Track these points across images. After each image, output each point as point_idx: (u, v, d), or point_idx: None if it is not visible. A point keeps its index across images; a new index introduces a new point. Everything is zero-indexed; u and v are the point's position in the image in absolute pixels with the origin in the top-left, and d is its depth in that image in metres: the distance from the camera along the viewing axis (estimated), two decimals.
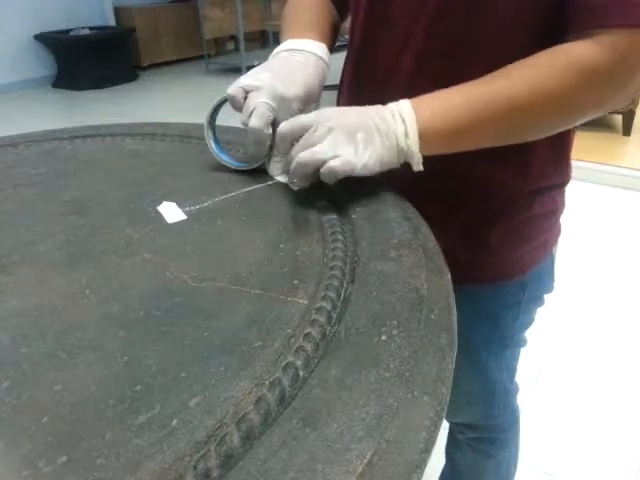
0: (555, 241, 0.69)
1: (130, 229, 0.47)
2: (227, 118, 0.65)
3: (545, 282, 0.70)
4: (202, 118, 0.60)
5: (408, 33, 0.55)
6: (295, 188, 0.51)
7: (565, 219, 0.68)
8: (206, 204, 0.51)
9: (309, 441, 0.27)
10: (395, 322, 0.35)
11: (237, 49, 5.74)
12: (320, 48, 0.58)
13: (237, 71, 4.63)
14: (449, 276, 0.41)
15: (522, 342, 0.74)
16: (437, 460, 0.99)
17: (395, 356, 0.32)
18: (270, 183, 0.55)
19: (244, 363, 0.32)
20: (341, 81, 0.69)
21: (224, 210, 0.50)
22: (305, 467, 0.26)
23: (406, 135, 0.48)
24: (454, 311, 0.37)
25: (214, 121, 0.60)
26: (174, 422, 0.28)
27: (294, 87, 0.53)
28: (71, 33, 4.75)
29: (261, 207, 0.51)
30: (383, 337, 0.34)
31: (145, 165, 0.61)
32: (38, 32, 4.69)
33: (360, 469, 0.26)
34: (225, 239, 0.46)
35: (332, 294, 0.37)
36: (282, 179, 0.56)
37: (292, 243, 0.45)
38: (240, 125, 0.56)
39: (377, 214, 0.49)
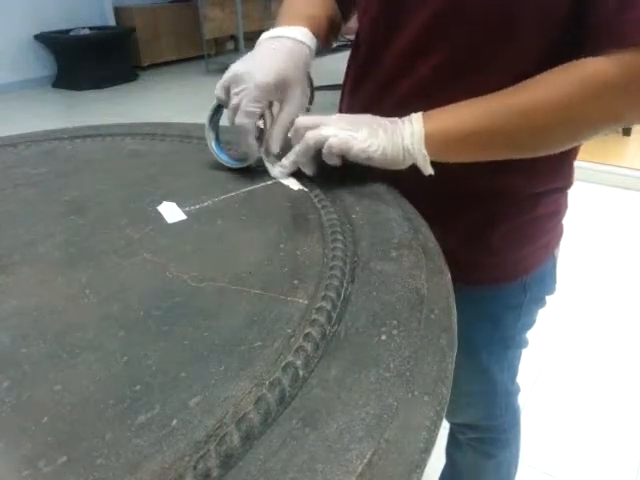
0: (557, 242, 0.69)
1: (130, 229, 0.47)
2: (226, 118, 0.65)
3: (547, 283, 0.69)
4: (202, 118, 0.60)
5: (420, 38, 0.54)
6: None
7: (565, 219, 0.68)
8: (206, 204, 0.51)
9: (309, 441, 0.27)
10: (395, 322, 0.35)
11: (237, 49, 5.74)
12: (300, 32, 0.57)
13: None
14: (449, 276, 0.41)
15: (524, 343, 0.73)
16: (437, 460, 0.99)
17: (395, 356, 0.32)
18: (270, 183, 0.55)
19: (244, 363, 0.32)
20: (345, 82, 0.69)
21: (224, 210, 0.50)
22: (305, 467, 0.26)
23: (412, 135, 0.50)
24: (454, 311, 0.37)
25: (217, 121, 0.60)
26: (174, 422, 0.28)
27: (262, 75, 0.52)
28: (71, 33, 4.75)
29: (261, 207, 0.51)
30: (383, 337, 0.34)
31: (145, 165, 0.61)
32: (38, 32, 4.69)
33: (360, 469, 0.26)
34: (225, 239, 0.46)
35: (332, 294, 0.37)
36: (282, 179, 0.56)
37: (292, 243, 0.45)
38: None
39: (377, 214, 0.49)
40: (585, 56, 0.46)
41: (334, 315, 0.36)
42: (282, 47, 0.55)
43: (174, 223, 0.48)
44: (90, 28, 4.88)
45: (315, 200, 0.52)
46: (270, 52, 0.55)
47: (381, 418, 0.28)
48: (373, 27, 0.59)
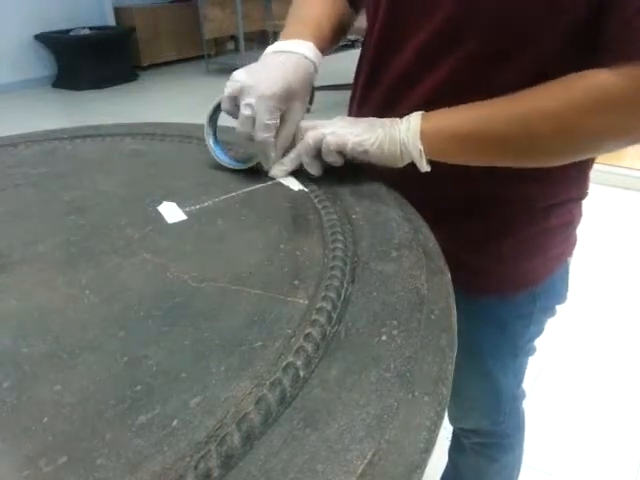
0: (571, 252, 0.67)
1: (130, 229, 0.47)
2: (226, 118, 0.65)
3: (558, 293, 0.68)
4: (202, 118, 0.60)
5: (427, 41, 0.53)
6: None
7: None
8: (206, 204, 0.51)
9: (310, 441, 0.27)
10: (395, 322, 0.35)
11: (237, 49, 5.74)
12: (307, 48, 0.57)
13: None
14: (449, 276, 0.41)
15: (531, 351, 0.73)
16: (438, 460, 0.99)
17: (395, 356, 0.32)
18: (270, 183, 0.55)
19: (244, 363, 0.32)
20: (354, 89, 0.68)
21: (224, 210, 0.50)
22: (306, 467, 0.26)
23: (408, 129, 0.50)
24: (454, 311, 0.37)
25: (215, 121, 0.60)
26: (174, 422, 0.28)
27: (274, 87, 0.52)
28: (71, 33, 4.74)
29: (261, 207, 0.51)
30: (383, 337, 0.34)
31: (145, 165, 0.61)
32: (38, 32, 4.69)
33: (360, 469, 0.26)
34: (225, 239, 0.46)
35: (332, 294, 0.37)
36: (282, 179, 0.56)
37: (292, 243, 0.45)
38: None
39: (377, 214, 0.49)
40: (595, 67, 0.45)
41: (334, 315, 0.36)
42: (288, 61, 0.55)
43: (174, 223, 0.48)
44: (90, 28, 4.87)
45: (315, 200, 0.52)
46: (277, 64, 0.55)
47: (381, 418, 0.28)
48: (383, 32, 0.58)
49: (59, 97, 4.56)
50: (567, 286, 0.69)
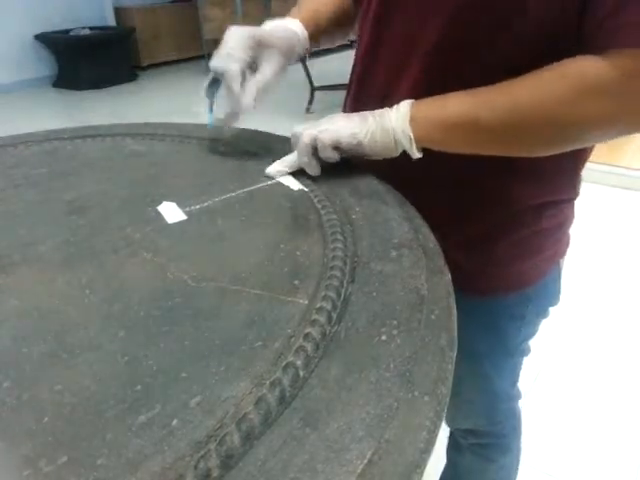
0: (563, 253, 0.67)
1: (130, 229, 0.47)
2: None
3: (551, 295, 0.68)
4: (202, 119, 0.60)
5: (417, 37, 0.53)
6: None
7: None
8: (206, 204, 0.51)
9: (309, 441, 0.27)
10: (395, 322, 0.35)
11: None
12: (289, 20, 0.62)
13: None
14: (449, 276, 0.41)
15: (526, 351, 0.73)
16: (437, 460, 0.99)
17: (395, 356, 0.32)
18: (270, 183, 0.55)
19: (244, 363, 0.32)
20: (349, 86, 0.69)
21: (224, 210, 0.50)
22: (305, 467, 0.26)
23: (397, 117, 0.51)
24: (454, 311, 0.37)
25: (212, 94, 0.61)
26: (174, 422, 0.28)
27: (244, 29, 0.56)
28: (71, 33, 4.74)
29: (261, 207, 0.51)
30: (383, 337, 0.34)
31: (145, 165, 0.61)
32: (39, 32, 4.69)
33: (360, 469, 0.26)
34: (225, 239, 0.46)
35: (332, 294, 0.37)
36: (282, 179, 0.56)
37: (292, 243, 0.45)
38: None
39: (377, 214, 0.49)
40: (581, 54, 0.45)
41: (334, 315, 0.36)
42: (267, 24, 0.61)
43: (174, 223, 0.48)
44: (90, 28, 4.87)
45: (315, 200, 0.52)
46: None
47: (381, 418, 0.28)
48: (373, 28, 0.59)
49: (59, 97, 4.56)
50: (559, 288, 0.69)
